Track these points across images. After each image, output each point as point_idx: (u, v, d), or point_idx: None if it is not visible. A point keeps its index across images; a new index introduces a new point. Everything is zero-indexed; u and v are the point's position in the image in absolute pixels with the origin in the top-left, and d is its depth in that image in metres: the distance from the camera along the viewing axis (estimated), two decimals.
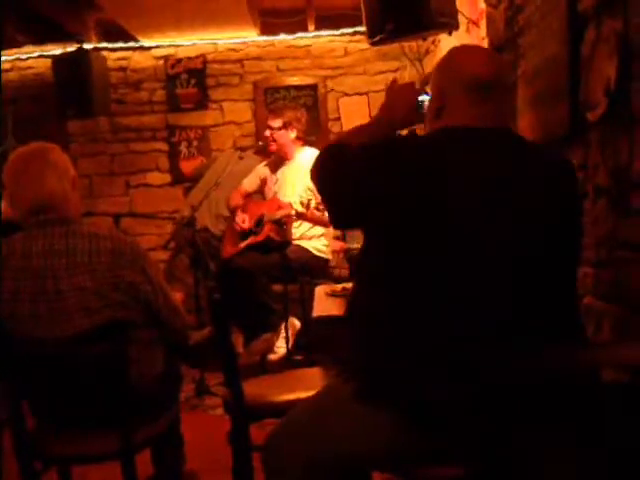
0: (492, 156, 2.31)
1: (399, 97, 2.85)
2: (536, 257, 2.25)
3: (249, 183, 7.08)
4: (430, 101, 2.61)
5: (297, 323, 6.38)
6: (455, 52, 2.62)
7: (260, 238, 6.55)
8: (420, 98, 2.82)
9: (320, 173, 2.60)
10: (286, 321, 5.93)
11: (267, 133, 6.76)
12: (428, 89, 2.72)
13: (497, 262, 2.21)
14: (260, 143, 7.32)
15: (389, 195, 2.26)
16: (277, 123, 6.69)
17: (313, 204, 5.92)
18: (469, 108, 2.41)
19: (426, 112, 2.69)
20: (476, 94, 2.40)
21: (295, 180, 6.59)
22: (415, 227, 2.23)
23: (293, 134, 6.72)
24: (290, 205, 6.30)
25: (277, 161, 6.91)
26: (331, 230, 6.73)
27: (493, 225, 2.22)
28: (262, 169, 7.06)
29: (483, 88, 2.40)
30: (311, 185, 6.09)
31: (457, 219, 2.21)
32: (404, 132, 2.91)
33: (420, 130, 2.90)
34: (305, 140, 6.91)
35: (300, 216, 6.23)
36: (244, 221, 6.75)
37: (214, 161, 8.27)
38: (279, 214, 6.22)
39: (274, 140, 6.72)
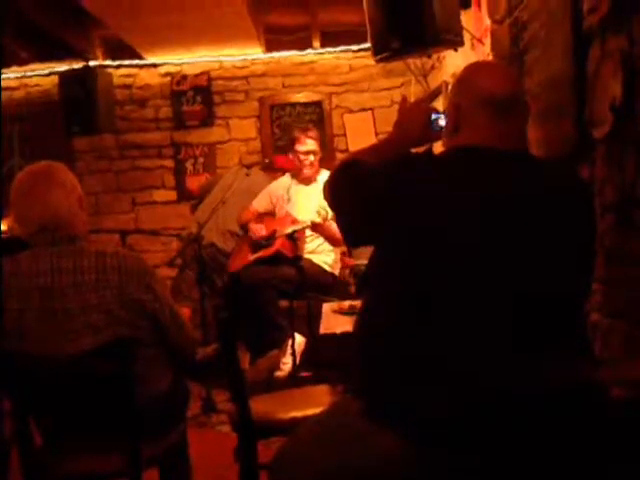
0: (509, 179, 2.30)
1: (411, 116, 2.85)
2: (548, 276, 2.24)
3: (260, 203, 7.09)
4: (447, 117, 2.61)
5: (303, 340, 6.37)
6: (472, 69, 2.62)
7: (270, 252, 6.55)
8: (433, 115, 2.82)
9: (333, 190, 2.60)
10: (292, 338, 5.92)
11: (310, 159, 6.73)
12: (438, 106, 2.71)
13: (508, 280, 2.20)
14: (267, 160, 7.35)
15: (402, 214, 2.26)
16: (315, 145, 6.72)
17: (329, 216, 5.92)
18: (486, 126, 2.40)
19: (444, 128, 2.69)
20: (493, 112, 2.39)
21: (309, 202, 6.60)
22: (427, 247, 2.23)
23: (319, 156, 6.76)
24: (300, 221, 6.31)
25: (299, 186, 6.92)
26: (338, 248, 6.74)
27: (505, 245, 2.22)
28: (273, 188, 7.08)
29: (500, 106, 2.38)
30: (323, 203, 6.12)
31: (470, 240, 2.21)
32: (419, 150, 2.90)
33: (437, 147, 2.90)
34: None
35: (316, 227, 6.22)
36: (260, 229, 6.75)
37: (221, 178, 8.27)
38: (293, 227, 6.21)
39: (314, 165, 6.76)
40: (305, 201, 6.68)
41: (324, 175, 6.69)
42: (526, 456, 2.13)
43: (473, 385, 2.14)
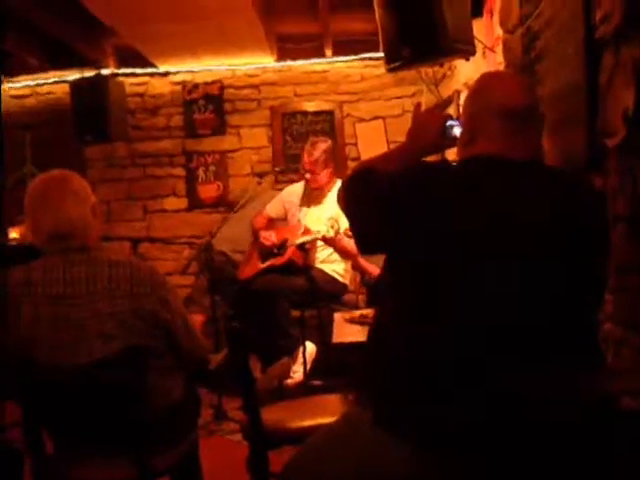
0: (523, 189, 2.30)
1: (425, 123, 2.85)
2: (560, 286, 2.24)
3: (272, 209, 7.09)
4: (462, 127, 2.61)
5: (314, 348, 6.36)
6: (488, 79, 2.62)
7: (282, 260, 6.54)
8: (447, 123, 2.82)
9: (347, 197, 2.60)
10: (303, 346, 5.91)
11: (308, 177, 6.72)
12: (452, 113, 2.71)
13: (522, 292, 2.20)
14: (277, 169, 7.33)
15: (416, 223, 2.26)
16: (320, 168, 6.66)
17: (343, 230, 5.91)
18: (501, 137, 2.40)
19: (457, 138, 2.69)
20: (508, 123, 2.39)
21: (321, 211, 6.60)
22: (440, 255, 2.22)
23: (330, 169, 6.73)
24: (312, 231, 6.29)
25: (309, 191, 6.91)
26: None
27: (518, 255, 2.21)
28: (286, 195, 7.07)
29: (515, 117, 2.39)
30: (335, 215, 6.14)
31: (483, 248, 2.21)
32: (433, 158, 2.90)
33: (451, 154, 2.89)
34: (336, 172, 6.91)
35: (327, 241, 6.19)
36: (270, 236, 6.75)
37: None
38: (304, 238, 6.20)
39: (316, 181, 6.70)
40: (318, 211, 6.66)
41: (338, 185, 6.66)
42: (535, 465, 2.13)
43: (483, 394, 2.13)
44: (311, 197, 6.83)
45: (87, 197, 3.26)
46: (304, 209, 6.79)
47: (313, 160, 6.64)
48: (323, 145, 6.76)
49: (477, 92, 2.55)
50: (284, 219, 7.00)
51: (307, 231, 6.42)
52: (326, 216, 6.37)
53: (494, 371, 2.15)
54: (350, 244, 6.00)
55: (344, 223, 5.76)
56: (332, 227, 6.08)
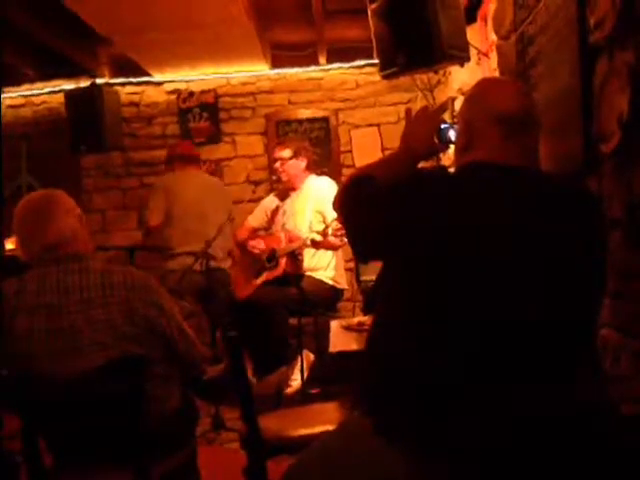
0: (521, 196, 2.29)
1: (417, 127, 2.83)
2: (561, 295, 2.23)
3: (254, 218, 7.11)
4: (458, 133, 2.60)
5: (311, 356, 6.35)
6: (485, 85, 2.61)
7: (277, 273, 6.52)
8: (442, 126, 2.80)
9: (345, 204, 2.58)
10: (301, 354, 5.90)
11: (277, 165, 6.78)
12: (447, 118, 2.70)
13: (520, 301, 2.19)
14: (274, 177, 7.35)
15: (414, 231, 2.25)
16: (287, 153, 6.69)
17: (330, 231, 5.90)
18: (498, 144, 2.39)
19: (452, 141, 2.69)
20: (505, 130, 2.38)
21: (305, 208, 6.60)
22: (438, 265, 2.21)
23: (303, 163, 6.73)
24: (300, 237, 6.28)
25: (285, 192, 6.92)
26: (342, 261, 6.73)
27: (517, 263, 2.20)
28: (267, 203, 7.10)
29: (512, 124, 2.38)
30: (320, 209, 6.15)
31: (483, 257, 2.20)
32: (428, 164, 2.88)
33: (447, 159, 2.89)
34: (313, 170, 6.91)
35: (317, 245, 6.19)
36: (259, 243, 6.75)
37: None
38: (293, 246, 6.20)
39: (285, 171, 6.72)
40: (301, 209, 6.67)
41: (312, 181, 6.78)
42: (533, 474, 2.12)
43: (482, 403, 2.13)
44: (291, 198, 6.86)
45: (72, 208, 3.30)
46: (287, 212, 6.80)
47: (284, 147, 6.80)
48: (297, 142, 6.93)
49: (474, 98, 2.54)
50: (267, 228, 7.01)
51: (292, 238, 6.42)
52: (310, 212, 6.41)
53: (492, 381, 2.14)
54: (337, 242, 6.03)
55: (330, 215, 5.81)
56: (318, 232, 6.08)
